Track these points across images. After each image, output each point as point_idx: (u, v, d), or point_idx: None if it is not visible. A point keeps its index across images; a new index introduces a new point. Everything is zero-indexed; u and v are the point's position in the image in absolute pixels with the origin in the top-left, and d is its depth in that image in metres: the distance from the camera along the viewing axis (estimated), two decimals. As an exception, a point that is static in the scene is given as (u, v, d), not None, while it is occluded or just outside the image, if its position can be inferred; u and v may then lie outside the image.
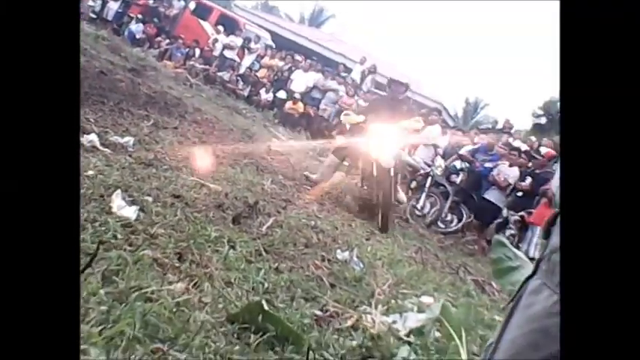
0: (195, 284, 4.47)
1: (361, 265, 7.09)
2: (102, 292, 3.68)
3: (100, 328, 3.23)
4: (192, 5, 29.29)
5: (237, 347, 3.77)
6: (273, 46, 27.30)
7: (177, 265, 4.75)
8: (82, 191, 5.33)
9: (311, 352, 4.01)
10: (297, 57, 25.61)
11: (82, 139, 7.50)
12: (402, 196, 12.43)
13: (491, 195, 14.26)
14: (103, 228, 4.80)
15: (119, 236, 4.79)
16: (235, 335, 3.95)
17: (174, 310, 3.86)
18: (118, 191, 5.61)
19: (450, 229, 13.81)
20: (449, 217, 14.03)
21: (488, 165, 14.80)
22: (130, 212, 5.38)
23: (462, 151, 15.90)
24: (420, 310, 5.61)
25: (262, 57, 25.64)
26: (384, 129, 10.71)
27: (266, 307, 4.12)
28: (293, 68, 24.40)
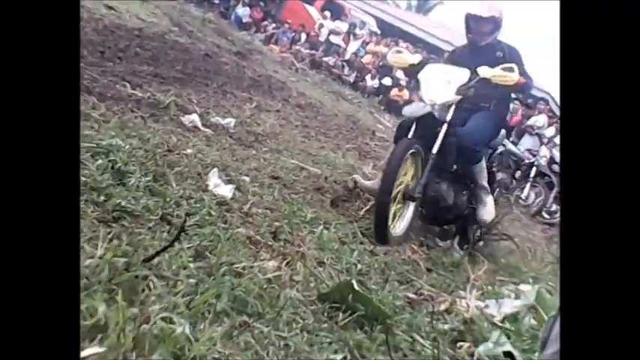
0: (287, 263, 4.46)
1: (461, 252, 7.03)
2: (192, 265, 3.71)
3: (187, 299, 3.25)
4: (298, -11, 29.37)
5: (325, 325, 3.76)
6: (379, 32, 27.17)
7: (270, 243, 4.75)
8: (178, 169, 5.39)
9: (396, 333, 3.99)
10: (403, 44, 25.46)
11: (183, 118, 7.60)
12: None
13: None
14: (198, 205, 4.83)
15: (213, 213, 4.81)
16: (325, 313, 3.93)
17: (265, 286, 3.86)
18: (215, 170, 5.64)
19: (554, 220, 13.56)
20: (553, 208, 13.78)
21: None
22: (226, 191, 5.41)
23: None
24: (517, 298, 5.53)
25: (367, 43, 25.55)
26: None
27: (357, 287, 4.09)
28: (398, 54, 24.25)
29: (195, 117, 7.78)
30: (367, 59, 24.64)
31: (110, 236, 3.71)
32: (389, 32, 28.51)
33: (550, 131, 16.49)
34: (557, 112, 21.80)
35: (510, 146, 14.99)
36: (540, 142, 15.98)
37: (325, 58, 24.33)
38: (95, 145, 4.89)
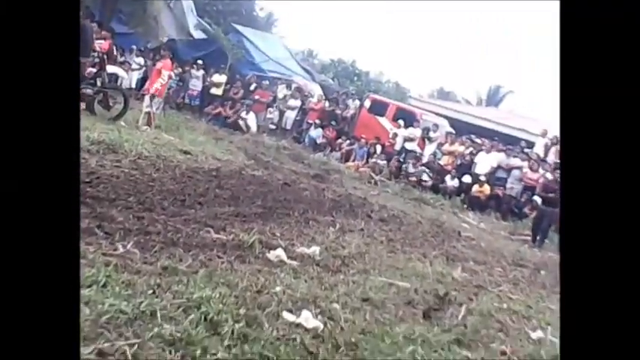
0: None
1: (556, 341, 7.00)
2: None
3: None
4: (367, 103, 29.66)
5: None
6: (453, 132, 27.25)
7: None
8: (269, 309, 5.57)
9: None
10: (477, 140, 25.56)
11: (268, 255, 7.79)
12: None
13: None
14: (295, 343, 4.99)
15: (311, 349, 4.97)
16: None
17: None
18: (305, 310, 5.78)
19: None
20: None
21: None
22: (318, 323, 5.55)
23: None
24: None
25: (443, 144, 25.65)
26: None
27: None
28: (474, 151, 24.31)
29: (280, 252, 7.96)
30: (445, 160, 24.69)
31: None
32: (463, 130, 28.56)
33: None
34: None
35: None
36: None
37: (403, 166, 24.49)
38: (186, 300, 5.12)
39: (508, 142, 25.31)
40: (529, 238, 17.47)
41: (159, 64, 19.38)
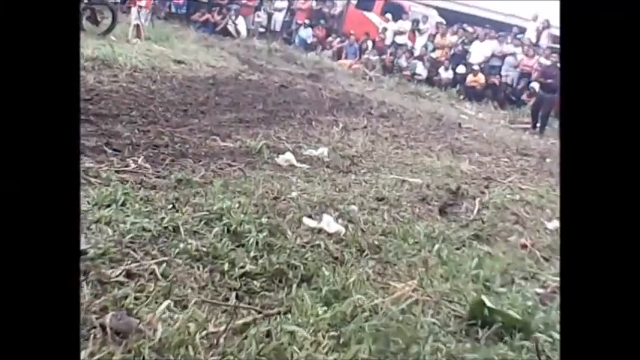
0: (414, 289, 4.53)
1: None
2: (325, 313, 3.83)
3: (332, 357, 3.36)
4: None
5: (467, 345, 3.83)
6: (444, 22, 26.96)
7: (393, 271, 4.85)
8: (289, 216, 5.53)
9: (539, 337, 4.02)
10: (469, 28, 25.27)
11: (277, 159, 7.74)
12: None
13: None
14: (320, 249, 4.96)
15: (336, 255, 4.94)
16: (463, 332, 4.00)
17: (400, 318, 3.94)
18: (325, 214, 5.74)
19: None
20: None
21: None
22: (339, 227, 5.51)
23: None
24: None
25: (434, 36, 25.39)
26: None
27: (488, 303, 4.15)
28: (467, 41, 24.09)
29: (289, 155, 7.90)
30: (438, 52, 24.48)
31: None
32: (453, 19, 28.21)
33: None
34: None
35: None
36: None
37: (395, 60, 24.29)
38: (207, 213, 5.06)
39: (499, 29, 25.04)
40: (529, 125, 17.44)
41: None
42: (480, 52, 22.85)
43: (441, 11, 30.10)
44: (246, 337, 3.41)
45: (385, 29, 26.44)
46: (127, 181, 5.56)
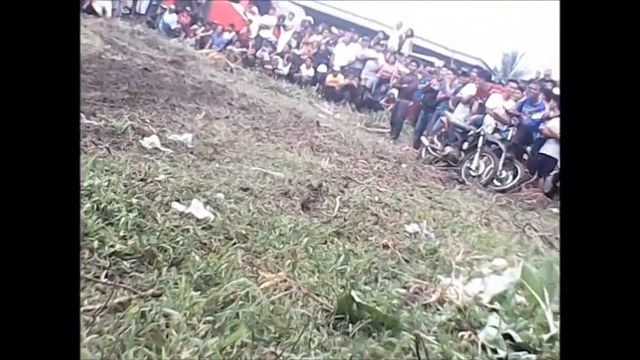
0: (283, 280, 4.56)
1: (432, 236, 7.16)
2: (199, 298, 3.83)
3: (213, 340, 3.35)
4: (223, -11, 29.18)
5: (338, 338, 3.87)
6: (311, 20, 27.10)
7: (261, 262, 4.87)
8: (158, 198, 5.47)
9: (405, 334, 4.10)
10: (335, 30, 25.48)
11: (142, 141, 7.65)
12: None
13: (548, 148, 14.03)
14: (189, 234, 4.93)
15: (204, 241, 4.93)
16: (332, 326, 4.05)
17: (272, 308, 3.96)
18: (194, 200, 5.71)
19: (506, 186, 13.65)
20: (504, 174, 13.88)
21: (536, 117, 14.62)
22: (208, 213, 5.50)
23: (508, 107, 15.64)
24: (497, 274, 5.64)
25: (299, 33, 25.51)
26: None
27: (357, 299, 4.21)
28: (331, 42, 24.29)
29: (154, 138, 7.84)
30: (303, 50, 24.57)
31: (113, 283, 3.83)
32: (319, 19, 28.38)
33: (494, 99, 16.50)
34: (494, 77, 22.02)
35: (454, 119, 15.20)
36: (471, 111, 16.11)
37: (258, 54, 24.29)
38: (76, 188, 4.95)
39: (363, 33, 25.35)
40: (385, 130, 17.77)
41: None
42: (344, 54, 23.04)
43: (308, 10, 30.24)
44: (123, 318, 3.35)
45: (251, 22, 26.40)
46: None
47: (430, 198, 9.85)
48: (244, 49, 24.48)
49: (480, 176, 13.58)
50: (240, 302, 3.91)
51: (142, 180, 5.85)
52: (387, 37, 24.64)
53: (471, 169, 13.65)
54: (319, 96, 21.66)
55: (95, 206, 4.75)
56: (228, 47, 24.48)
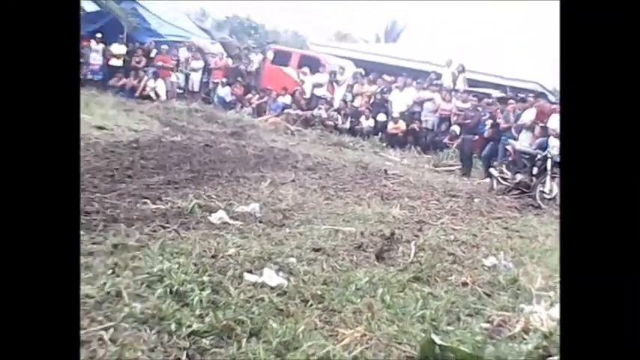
0: (363, 334, 4.54)
1: (511, 266, 7.10)
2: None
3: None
4: (270, 55, 29.46)
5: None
6: (362, 72, 27.20)
7: (339, 319, 4.86)
8: (230, 272, 5.50)
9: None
10: (387, 77, 25.54)
11: (210, 218, 7.71)
12: None
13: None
14: (264, 303, 4.94)
15: (280, 307, 4.94)
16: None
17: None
18: (266, 269, 5.73)
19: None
20: (576, 195, 13.66)
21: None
22: (281, 280, 5.51)
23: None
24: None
25: (352, 86, 25.60)
26: None
27: (438, 341, 4.17)
28: (385, 89, 24.35)
29: (221, 213, 7.90)
30: (358, 102, 24.64)
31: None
32: (369, 69, 28.46)
33: (555, 120, 16.36)
34: (552, 98, 21.81)
35: (519, 146, 15.06)
36: (543, 134, 15.97)
37: (316, 113, 24.40)
38: (148, 275, 5.02)
39: (415, 76, 25.36)
40: (453, 168, 17.70)
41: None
42: (400, 100, 23.06)
43: (357, 62, 30.37)
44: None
45: (303, 82, 26.58)
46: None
47: (506, 228, 9.78)
48: (301, 111, 24.62)
49: (554, 198, 13.42)
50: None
51: (212, 257, 5.91)
52: (439, 76, 24.60)
53: (544, 192, 13.50)
54: (383, 145, 21.64)
55: (168, 290, 4.80)
56: (285, 111, 24.65)
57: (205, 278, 5.16)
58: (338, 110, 24.33)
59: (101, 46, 27.85)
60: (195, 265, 5.49)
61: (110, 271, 5.07)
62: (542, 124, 15.96)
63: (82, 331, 3.93)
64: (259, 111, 25.31)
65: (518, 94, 20.05)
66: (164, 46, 28.61)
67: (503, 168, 14.99)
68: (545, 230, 9.75)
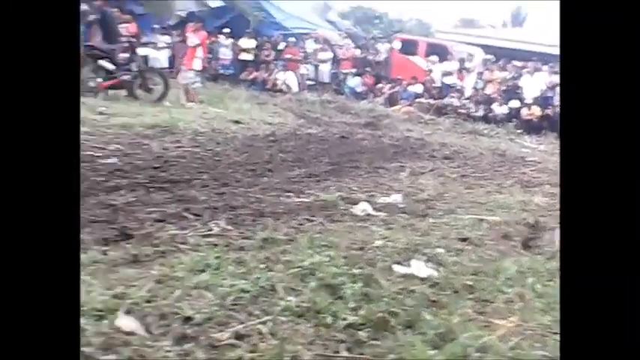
0: (517, 324, 4.51)
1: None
2: (437, 355, 3.83)
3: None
4: (397, 45, 29.43)
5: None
6: (492, 58, 26.93)
7: (492, 309, 4.83)
8: (380, 264, 5.52)
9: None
10: (516, 63, 25.25)
11: (353, 210, 7.74)
12: None
13: None
14: (416, 294, 4.94)
15: (433, 298, 4.92)
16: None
17: (511, 354, 3.93)
18: (414, 260, 5.73)
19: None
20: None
21: None
22: (430, 271, 5.49)
23: None
24: None
25: (482, 73, 25.34)
26: None
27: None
28: (516, 75, 24.07)
29: (365, 205, 7.89)
30: (491, 89, 24.39)
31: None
32: (498, 55, 28.13)
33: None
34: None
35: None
36: None
37: (448, 101, 24.25)
38: (300, 269, 5.07)
39: (546, 60, 24.92)
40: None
41: (192, 39, 19.04)
42: (532, 85, 22.75)
43: (484, 48, 30.07)
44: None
45: (431, 71, 26.47)
46: (216, 245, 5.59)
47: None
48: (432, 100, 24.52)
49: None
50: (479, 354, 3.89)
51: (360, 249, 5.92)
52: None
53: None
54: (518, 131, 21.37)
55: (320, 283, 4.84)
56: (417, 100, 24.59)
57: (356, 271, 5.17)
58: (470, 98, 24.13)
59: (230, 40, 28.29)
60: (344, 257, 5.52)
61: (263, 265, 5.14)
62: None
63: (240, 326, 4.03)
64: (392, 101, 25.31)
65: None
66: (291, 39, 28.91)
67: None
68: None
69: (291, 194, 8.23)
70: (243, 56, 28.36)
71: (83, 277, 4.32)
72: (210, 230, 6.14)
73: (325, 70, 28.60)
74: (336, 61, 28.90)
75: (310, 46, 29.29)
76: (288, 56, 28.01)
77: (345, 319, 4.30)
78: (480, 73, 25.52)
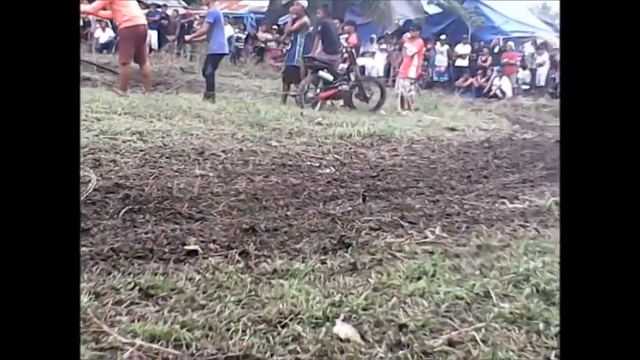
0: None
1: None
2: None
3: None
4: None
5: None
6: None
7: None
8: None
9: None
10: None
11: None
12: None
13: None
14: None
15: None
16: None
17: None
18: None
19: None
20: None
21: None
22: None
23: None
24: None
25: None
26: None
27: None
28: None
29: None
30: None
31: None
32: None
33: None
34: None
35: None
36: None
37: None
38: (514, 275, 5.15)
39: None
40: None
41: (410, 48, 19.19)
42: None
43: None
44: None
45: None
46: (432, 253, 5.74)
47: None
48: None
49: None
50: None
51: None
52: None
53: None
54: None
55: (534, 289, 4.89)
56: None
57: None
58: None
59: (445, 47, 28.37)
60: (559, 263, 5.54)
61: (477, 272, 5.25)
62: None
63: (454, 332, 4.16)
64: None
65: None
66: (509, 43, 28.70)
67: None
68: None
69: (505, 200, 8.28)
70: (459, 62, 28.41)
71: (302, 285, 4.60)
72: (426, 238, 6.29)
73: (542, 73, 28.23)
74: (554, 64, 28.45)
75: (528, 49, 29.01)
76: (505, 60, 27.82)
77: (557, 325, 4.35)
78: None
